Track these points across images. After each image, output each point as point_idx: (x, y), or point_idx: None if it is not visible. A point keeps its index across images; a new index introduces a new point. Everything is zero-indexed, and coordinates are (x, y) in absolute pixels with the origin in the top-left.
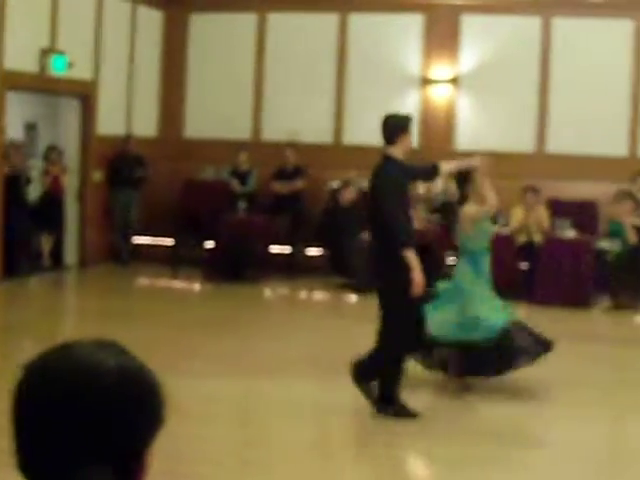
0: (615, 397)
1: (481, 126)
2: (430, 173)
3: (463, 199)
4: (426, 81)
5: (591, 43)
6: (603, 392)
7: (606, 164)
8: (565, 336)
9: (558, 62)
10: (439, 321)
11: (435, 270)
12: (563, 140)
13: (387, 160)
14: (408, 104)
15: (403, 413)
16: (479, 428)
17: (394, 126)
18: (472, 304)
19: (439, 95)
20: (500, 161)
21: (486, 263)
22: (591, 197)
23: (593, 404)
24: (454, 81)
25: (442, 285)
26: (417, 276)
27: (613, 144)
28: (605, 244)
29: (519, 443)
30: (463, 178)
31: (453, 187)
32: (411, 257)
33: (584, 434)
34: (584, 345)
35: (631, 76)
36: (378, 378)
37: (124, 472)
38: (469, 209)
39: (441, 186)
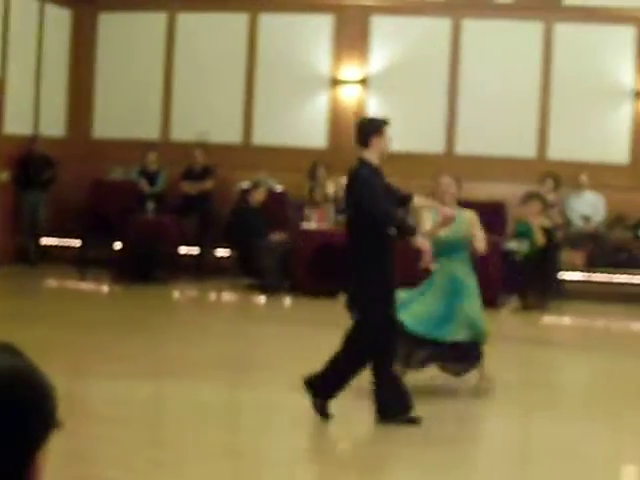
0: (522, 395)
1: (390, 127)
2: (402, 200)
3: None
4: (336, 82)
5: (501, 45)
6: (511, 391)
7: (515, 165)
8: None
9: (468, 63)
10: (422, 316)
11: (340, 270)
12: (472, 141)
13: (362, 164)
14: (318, 105)
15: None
16: (390, 429)
17: (368, 129)
18: (471, 300)
19: (349, 96)
20: (409, 162)
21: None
22: (499, 198)
23: (501, 402)
24: (364, 82)
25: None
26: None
27: (522, 146)
28: (513, 245)
29: (428, 442)
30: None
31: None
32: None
33: (492, 431)
34: (492, 345)
35: (540, 78)
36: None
37: (16, 475)
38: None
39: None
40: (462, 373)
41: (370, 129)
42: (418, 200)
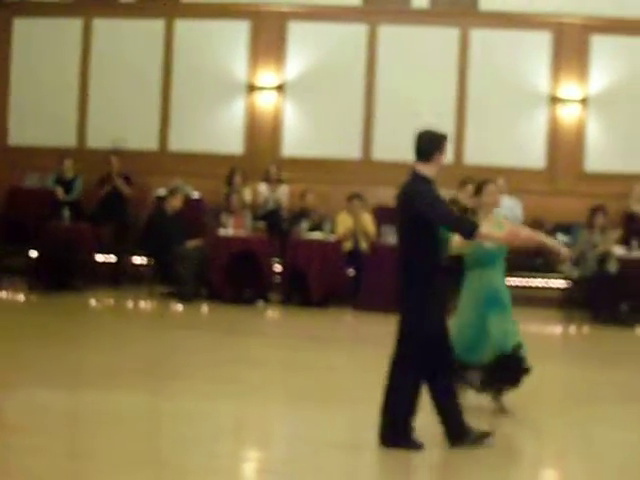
0: None
1: (307, 133)
2: (465, 226)
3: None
4: (252, 88)
5: (417, 50)
6: (426, 397)
7: None
8: (391, 342)
9: (384, 69)
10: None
11: (257, 276)
12: (389, 147)
13: (420, 179)
14: (234, 111)
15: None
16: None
17: (432, 144)
18: (501, 314)
19: (265, 102)
20: (326, 168)
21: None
22: None
23: (423, 408)
24: (280, 88)
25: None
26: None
27: None
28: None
29: (329, 445)
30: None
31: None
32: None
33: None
34: None
35: (457, 83)
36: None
37: None
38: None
39: (267, 193)
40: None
41: (434, 144)
42: (485, 229)
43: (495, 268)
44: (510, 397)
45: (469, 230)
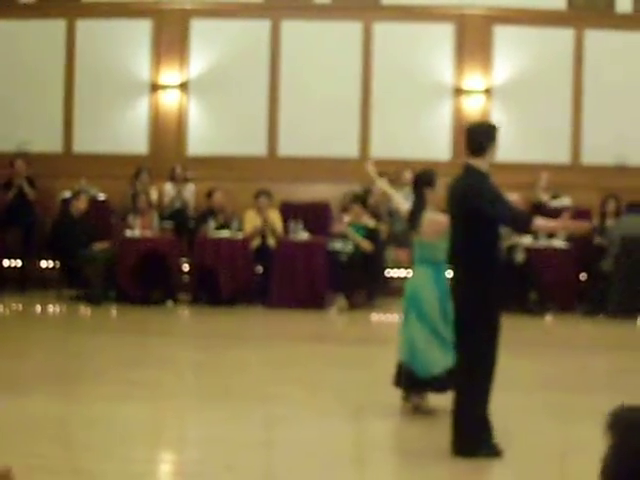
0: (350, 397)
1: (212, 131)
2: (521, 222)
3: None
4: (156, 87)
5: (321, 45)
6: (339, 392)
7: (338, 165)
8: (302, 338)
9: (288, 65)
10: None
11: (166, 277)
12: (295, 143)
13: (473, 172)
14: (138, 110)
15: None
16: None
17: (484, 136)
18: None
19: (169, 101)
20: (232, 166)
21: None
22: (323, 199)
23: (329, 404)
24: (184, 86)
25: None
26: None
27: (344, 145)
28: (338, 245)
29: (243, 444)
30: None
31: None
32: (543, 224)
33: (318, 434)
34: (321, 346)
35: (361, 77)
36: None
37: None
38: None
39: (174, 192)
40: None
41: (487, 136)
42: (540, 223)
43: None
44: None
45: (525, 224)
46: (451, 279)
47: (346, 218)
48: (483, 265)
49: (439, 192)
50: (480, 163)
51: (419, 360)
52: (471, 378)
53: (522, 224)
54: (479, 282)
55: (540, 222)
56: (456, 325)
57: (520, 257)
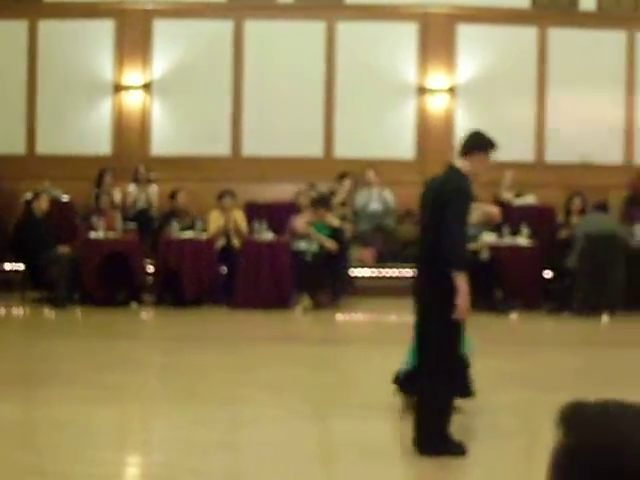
0: (316, 397)
1: (176, 131)
2: (454, 258)
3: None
4: (119, 87)
5: (284, 45)
6: (305, 393)
7: (302, 165)
8: (267, 339)
9: (251, 65)
10: None
11: (130, 278)
12: (258, 143)
13: (453, 171)
14: (102, 111)
15: (454, 450)
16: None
17: (474, 140)
18: None
19: (132, 101)
20: (196, 166)
21: None
22: (287, 199)
23: (295, 405)
24: (147, 86)
25: None
26: (463, 302)
27: (309, 145)
28: (302, 245)
29: (210, 446)
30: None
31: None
32: (462, 281)
33: (284, 435)
34: (286, 347)
35: (324, 77)
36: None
37: None
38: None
39: (137, 193)
40: None
41: (476, 142)
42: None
43: None
44: (384, 383)
45: (456, 265)
46: (417, 279)
47: (303, 218)
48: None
49: None
50: (462, 163)
51: None
52: (434, 378)
53: (455, 262)
54: (448, 282)
55: (461, 283)
56: (420, 325)
57: (485, 255)
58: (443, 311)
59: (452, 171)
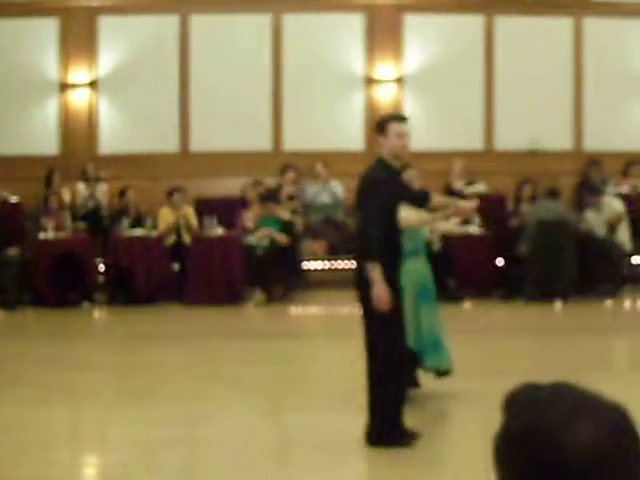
0: (273, 391)
1: (124, 129)
2: (420, 199)
3: None
4: (65, 86)
5: (230, 38)
6: (260, 388)
7: (250, 159)
8: (220, 334)
9: (198, 59)
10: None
11: (81, 278)
12: (206, 138)
13: (377, 161)
14: (48, 110)
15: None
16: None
17: (375, 127)
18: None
19: (79, 100)
20: (145, 163)
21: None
22: (237, 194)
23: (250, 401)
24: (94, 84)
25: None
26: (379, 292)
27: (257, 139)
28: (253, 239)
29: (166, 444)
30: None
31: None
32: (375, 272)
33: (240, 431)
34: (241, 342)
35: (271, 69)
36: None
37: None
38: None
39: (87, 192)
40: None
41: (377, 127)
42: (436, 200)
43: (423, 256)
44: (346, 382)
45: (368, 255)
46: (356, 269)
47: (251, 212)
48: (386, 254)
49: None
50: (382, 152)
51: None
52: (377, 371)
53: (367, 253)
54: (385, 271)
55: (374, 274)
56: (364, 315)
57: (436, 245)
58: (370, 304)
59: (375, 162)
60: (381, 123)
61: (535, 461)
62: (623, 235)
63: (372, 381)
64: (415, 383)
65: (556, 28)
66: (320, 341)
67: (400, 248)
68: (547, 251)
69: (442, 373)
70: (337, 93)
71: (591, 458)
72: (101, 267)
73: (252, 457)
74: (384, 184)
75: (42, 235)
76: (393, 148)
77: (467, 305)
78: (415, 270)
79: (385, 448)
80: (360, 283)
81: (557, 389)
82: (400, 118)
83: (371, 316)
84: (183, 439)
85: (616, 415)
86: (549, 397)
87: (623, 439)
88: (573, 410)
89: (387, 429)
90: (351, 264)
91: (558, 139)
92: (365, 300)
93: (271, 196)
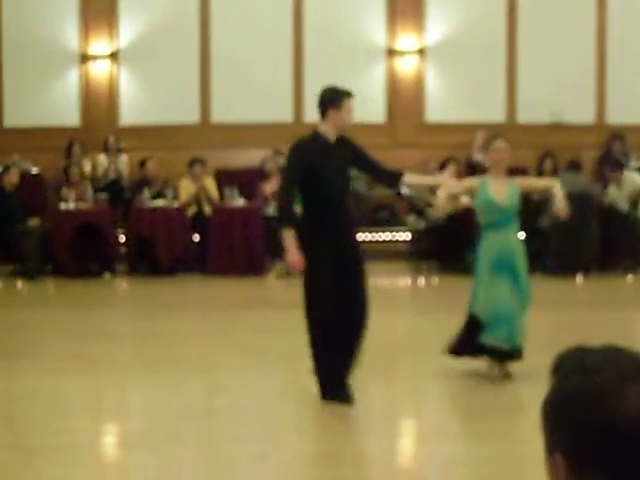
0: (292, 362)
1: (144, 100)
2: (392, 178)
3: None
4: (86, 57)
5: (251, 7)
6: (280, 358)
7: (272, 130)
8: (241, 305)
9: (218, 30)
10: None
11: (102, 248)
12: (227, 109)
13: (313, 133)
14: (68, 82)
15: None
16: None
17: (325, 100)
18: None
19: (100, 71)
20: (165, 134)
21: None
22: (258, 164)
23: (271, 370)
24: (114, 56)
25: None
26: (291, 257)
27: (278, 110)
28: (273, 210)
29: (185, 412)
30: None
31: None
32: (287, 238)
33: (260, 400)
34: (260, 312)
35: (292, 39)
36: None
37: None
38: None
39: (107, 163)
40: None
41: (327, 101)
42: (411, 178)
43: (508, 228)
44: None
45: (282, 222)
46: (300, 241)
47: (271, 183)
48: (315, 228)
49: None
50: (323, 127)
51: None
52: (317, 332)
53: (281, 215)
54: (316, 244)
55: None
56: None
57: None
58: (318, 270)
59: (310, 134)
60: (335, 96)
61: (586, 424)
62: None
63: (310, 343)
64: (477, 351)
65: None
66: None
67: (332, 217)
68: (569, 225)
69: (501, 355)
70: (359, 64)
71: None
72: (122, 238)
73: (271, 427)
74: (302, 155)
75: (63, 206)
76: (343, 121)
77: None
78: (492, 243)
79: (326, 401)
80: (308, 257)
81: (607, 352)
82: (351, 94)
83: (305, 282)
84: (202, 408)
85: None
86: (599, 360)
87: None
88: (623, 372)
89: (325, 385)
90: (371, 236)
91: (581, 112)
92: (310, 271)
93: None
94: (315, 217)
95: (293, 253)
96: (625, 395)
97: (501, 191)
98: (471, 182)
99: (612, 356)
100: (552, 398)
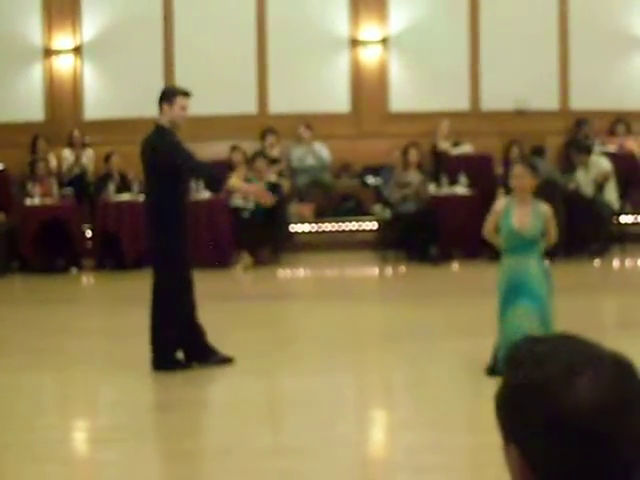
0: (261, 353)
1: (109, 93)
2: (215, 181)
3: None
4: (49, 52)
5: (214, 2)
6: (248, 350)
7: (236, 122)
8: (208, 298)
9: (181, 23)
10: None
11: (68, 244)
12: (191, 102)
13: (157, 127)
14: (31, 77)
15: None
16: None
17: (161, 96)
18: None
19: (63, 65)
20: (130, 128)
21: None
22: (223, 157)
23: (240, 363)
24: (77, 50)
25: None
26: (252, 188)
27: (242, 102)
28: (239, 202)
29: (153, 408)
30: None
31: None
32: (235, 184)
33: (230, 393)
34: (228, 305)
35: (255, 31)
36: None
37: None
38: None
39: (72, 158)
40: None
41: (162, 97)
42: (235, 183)
43: (533, 255)
44: (335, 342)
45: (216, 177)
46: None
47: (237, 175)
48: (168, 218)
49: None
50: (161, 119)
51: None
52: (157, 309)
53: (213, 176)
54: (166, 232)
55: (233, 182)
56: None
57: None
58: (166, 255)
59: (155, 129)
60: (169, 94)
61: (534, 416)
62: (611, 194)
63: (151, 321)
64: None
65: None
66: (308, 303)
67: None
68: None
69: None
70: (322, 55)
71: (592, 413)
72: (88, 233)
73: (242, 420)
74: (162, 152)
75: (28, 201)
76: (176, 118)
77: (455, 267)
78: (506, 269)
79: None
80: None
81: (558, 341)
82: (187, 93)
83: (156, 276)
84: (173, 402)
85: (618, 367)
86: (548, 350)
87: (625, 391)
88: (572, 363)
89: (158, 358)
90: (338, 226)
91: (544, 98)
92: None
93: (260, 158)
94: (171, 218)
95: (250, 186)
96: (573, 386)
97: (524, 220)
98: (499, 205)
99: (562, 346)
100: (503, 390)
